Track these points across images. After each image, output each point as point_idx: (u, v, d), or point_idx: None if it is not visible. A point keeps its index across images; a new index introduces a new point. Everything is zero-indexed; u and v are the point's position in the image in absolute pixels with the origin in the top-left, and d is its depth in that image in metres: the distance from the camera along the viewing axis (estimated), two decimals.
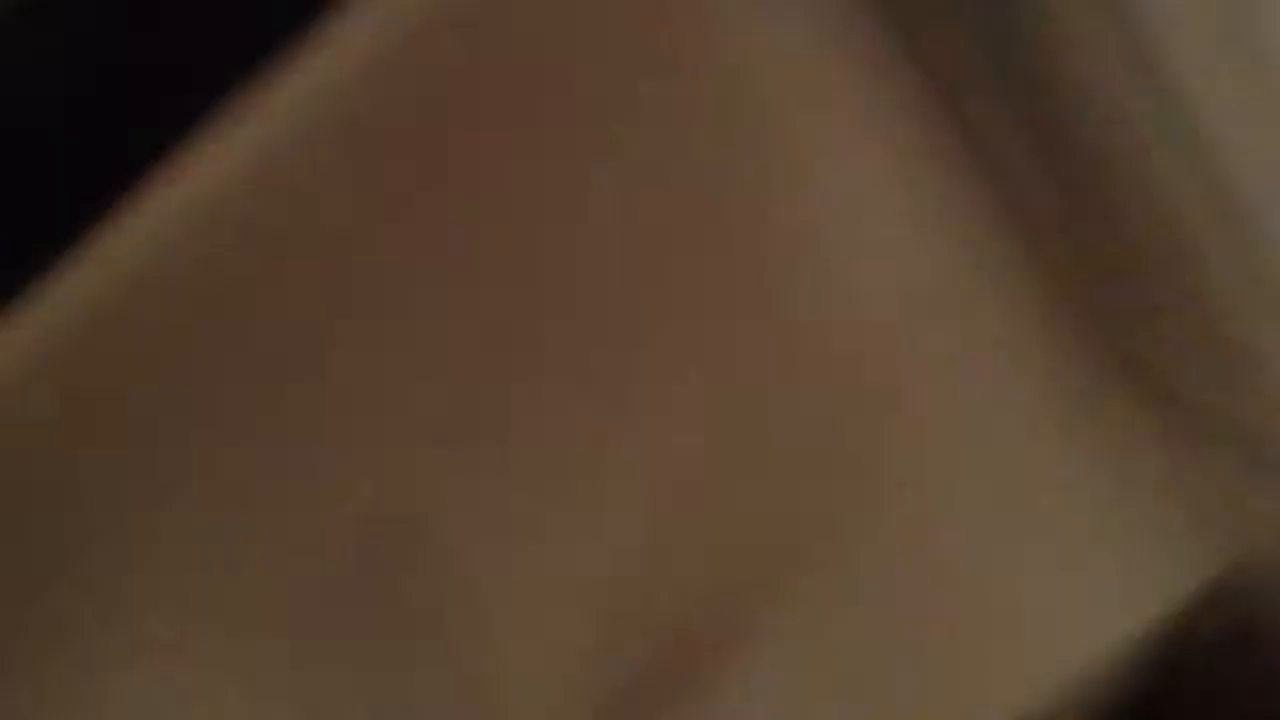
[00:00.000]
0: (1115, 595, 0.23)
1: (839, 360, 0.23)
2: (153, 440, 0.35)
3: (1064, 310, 0.20)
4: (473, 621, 0.42)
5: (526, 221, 0.23)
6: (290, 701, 0.34)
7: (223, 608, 0.35)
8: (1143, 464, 0.20)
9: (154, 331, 0.27)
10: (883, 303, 0.22)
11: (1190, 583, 0.22)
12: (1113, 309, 0.20)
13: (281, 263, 0.24)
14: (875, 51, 0.20)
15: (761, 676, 0.37)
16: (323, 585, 0.37)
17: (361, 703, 0.36)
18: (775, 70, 0.21)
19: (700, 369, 0.29)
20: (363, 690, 0.38)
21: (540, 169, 0.22)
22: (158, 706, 0.32)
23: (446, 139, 0.22)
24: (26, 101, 0.21)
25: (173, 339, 0.29)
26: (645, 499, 0.38)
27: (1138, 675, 0.23)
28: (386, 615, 0.40)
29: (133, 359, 0.27)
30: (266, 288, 0.25)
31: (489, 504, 0.36)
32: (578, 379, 0.34)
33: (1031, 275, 0.20)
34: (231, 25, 0.21)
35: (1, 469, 0.28)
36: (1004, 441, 0.22)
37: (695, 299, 0.27)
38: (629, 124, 0.22)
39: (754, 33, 0.20)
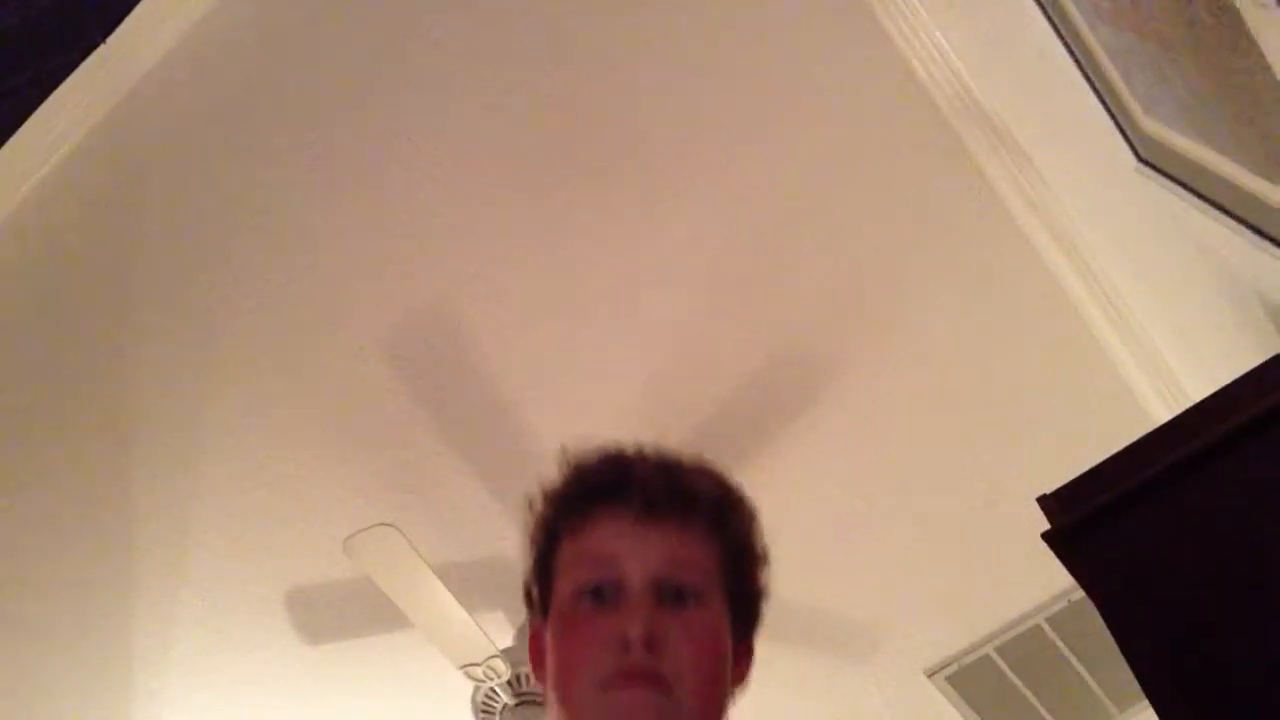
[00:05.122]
0: None
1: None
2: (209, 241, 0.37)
3: None
4: (505, 416, 0.43)
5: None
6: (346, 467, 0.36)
7: (279, 402, 0.37)
8: None
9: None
10: None
11: None
12: None
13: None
14: None
15: (791, 453, 0.38)
16: (368, 378, 0.39)
17: (411, 474, 0.38)
18: None
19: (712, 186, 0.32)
20: (410, 468, 0.40)
21: None
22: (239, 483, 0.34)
23: None
24: None
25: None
26: (680, 298, 0.39)
27: None
28: (422, 411, 0.42)
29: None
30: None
31: (530, 299, 0.38)
32: (617, 193, 0.36)
33: None
34: None
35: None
36: None
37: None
38: None
39: None
